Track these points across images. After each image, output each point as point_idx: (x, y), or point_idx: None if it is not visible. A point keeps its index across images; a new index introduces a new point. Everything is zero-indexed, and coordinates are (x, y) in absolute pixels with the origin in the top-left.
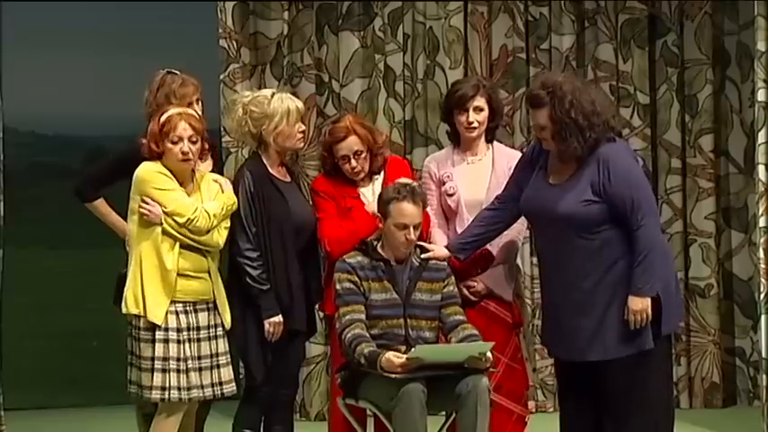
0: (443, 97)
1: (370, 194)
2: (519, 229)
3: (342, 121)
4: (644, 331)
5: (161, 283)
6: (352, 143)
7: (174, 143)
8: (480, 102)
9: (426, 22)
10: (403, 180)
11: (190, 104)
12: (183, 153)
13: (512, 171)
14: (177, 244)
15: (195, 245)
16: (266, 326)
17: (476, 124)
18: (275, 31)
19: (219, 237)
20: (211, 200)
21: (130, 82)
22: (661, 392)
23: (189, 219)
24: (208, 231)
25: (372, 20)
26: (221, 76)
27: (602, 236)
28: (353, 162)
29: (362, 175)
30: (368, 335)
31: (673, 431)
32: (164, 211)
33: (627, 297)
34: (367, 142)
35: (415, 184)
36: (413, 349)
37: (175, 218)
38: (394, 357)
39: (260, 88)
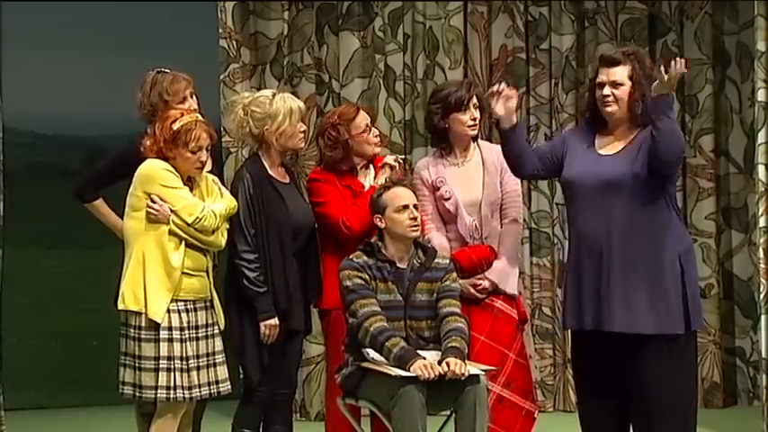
0: (433, 104)
1: (367, 185)
2: (518, 224)
3: (335, 111)
4: (678, 316)
5: (165, 281)
6: (364, 114)
7: (194, 153)
8: (475, 99)
9: (426, 22)
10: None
11: (184, 99)
12: (202, 162)
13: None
14: (183, 243)
15: (199, 244)
16: (262, 328)
17: (477, 120)
18: (275, 31)
19: (222, 238)
20: (213, 201)
21: (130, 82)
22: (688, 386)
23: (197, 218)
24: (213, 232)
25: (372, 20)
26: (221, 76)
27: (650, 208)
28: (374, 130)
29: (379, 147)
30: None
31: (695, 428)
32: (171, 210)
33: (670, 273)
34: (368, 113)
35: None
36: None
37: (184, 216)
38: (425, 368)
39: (260, 88)
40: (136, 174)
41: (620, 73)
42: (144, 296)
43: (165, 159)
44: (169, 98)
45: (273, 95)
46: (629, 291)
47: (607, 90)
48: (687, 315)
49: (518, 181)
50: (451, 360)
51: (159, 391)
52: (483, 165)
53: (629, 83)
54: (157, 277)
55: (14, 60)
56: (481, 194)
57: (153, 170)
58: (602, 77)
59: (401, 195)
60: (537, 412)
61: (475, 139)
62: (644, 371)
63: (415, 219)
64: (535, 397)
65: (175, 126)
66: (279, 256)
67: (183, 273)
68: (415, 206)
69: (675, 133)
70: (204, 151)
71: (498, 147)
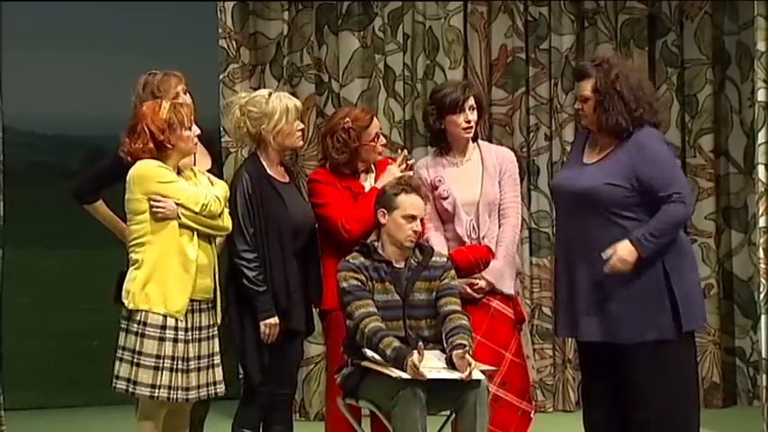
0: (430, 105)
1: (368, 186)
2: (516, 225)
3: (354, 110)
4: (666, 321)
5: (184, 277)
6: (377, 123)
7: (189, 129)
8: (472, 101)
9: (426, 22)
10: (406, 175)
11: (176, 96)
12: (197, 136)
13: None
14: (195, 234)
15: (211, 231)
16: (262, 327)
17: (472, 122)
18: (275, 31)
19: (228, 220)
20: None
21: (130, 82)
22: (686, 388)
23: (203, 204)
24: (220, 215)
25: (372, 20)
26: (221, 76)
27: (625, 223)
28: (382, 139)
29: (382, 155)
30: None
31: (698, 428)
32: (177, 203)
33: (648, 285)
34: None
35: (416, 177)
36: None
37: (191, 206)
38: (418, 363)
39: (259, 88)
40: (128, 178)
41: (585, 87)
42: (163, 296)
43: (153, 158)
44: (160, 95)
45: (270, 94)
46: (595, 299)
47: (578, 104)
48: (677, 319)
49: (517, 182)
50: (471, 360)
51: (161, 389)
52: (482, 165)
53: (593, 96)
54: (178, 275)
55: (14, 60)
56: (479, 194)
57: (146, 170)
58: (575, 89)
59: (415, 205)
60: (533, 412)
61: (475, 139)
62: (632, 375)
63: (416, 233)
64: (531, 397)
65: (163, 114)
66: (278, 255)
67: (198, 270)
68: (421, 220)
69: (668, 234)
70: (194, 125)
71: (499, 148)
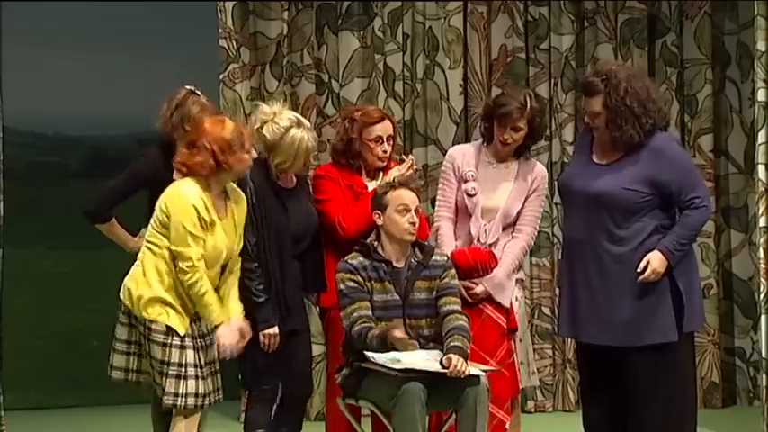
0: (491, 100)
1: (371, 187)
2: (528, 243)
3: (371, 107)
4: (669, 322)
5: (185, 298)
6: (388, 126)
7: (249, 152)
8: (521, 123)
9: (426, 21)
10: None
11: None
12: (252, 158)
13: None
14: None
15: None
16: (261, 338)
17: (510, 141)
18: (275, 31)
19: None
20: (238, 224)
21: (130, 82)
22: (685, 388)
23: (183, 269)
24: (190, 287)
25: (372, 20)
26: (221, 76)
27: (635, 226)
28: (386, 145)
29: (386, 162)
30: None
31: (695, 429)
32: (168, 248)
33: (653, 287)
34: (394, 129)
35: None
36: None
37: (175, 256)
38: (399, 333)
39: (260, 88)
40: (168, 196)
41: (595, 103)
42: (169, 309)
43: (210, 175)
44: (188, 127)
45: (289, 128)
46: (597, 301)
47: (587, 119)
48: (680, 320)
49: (543, 202)
50: (453, 357)
51: (188, 398)
52: (516, 175)
53: (604, 111)
54: (181, 294)
55: (14, 60)
56: (503, 203)
57: (186, 209)
58: (584, 104)
59: (404, 197)
60: (508, 423)
61: (519, 154)
62: (633, 376)
63: (414, 224)
64: (513, 407)
65: (227, 134)
66: (277, 261)
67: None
68: (416, 210)
69: (693, 240)
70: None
71: (541, 168)
